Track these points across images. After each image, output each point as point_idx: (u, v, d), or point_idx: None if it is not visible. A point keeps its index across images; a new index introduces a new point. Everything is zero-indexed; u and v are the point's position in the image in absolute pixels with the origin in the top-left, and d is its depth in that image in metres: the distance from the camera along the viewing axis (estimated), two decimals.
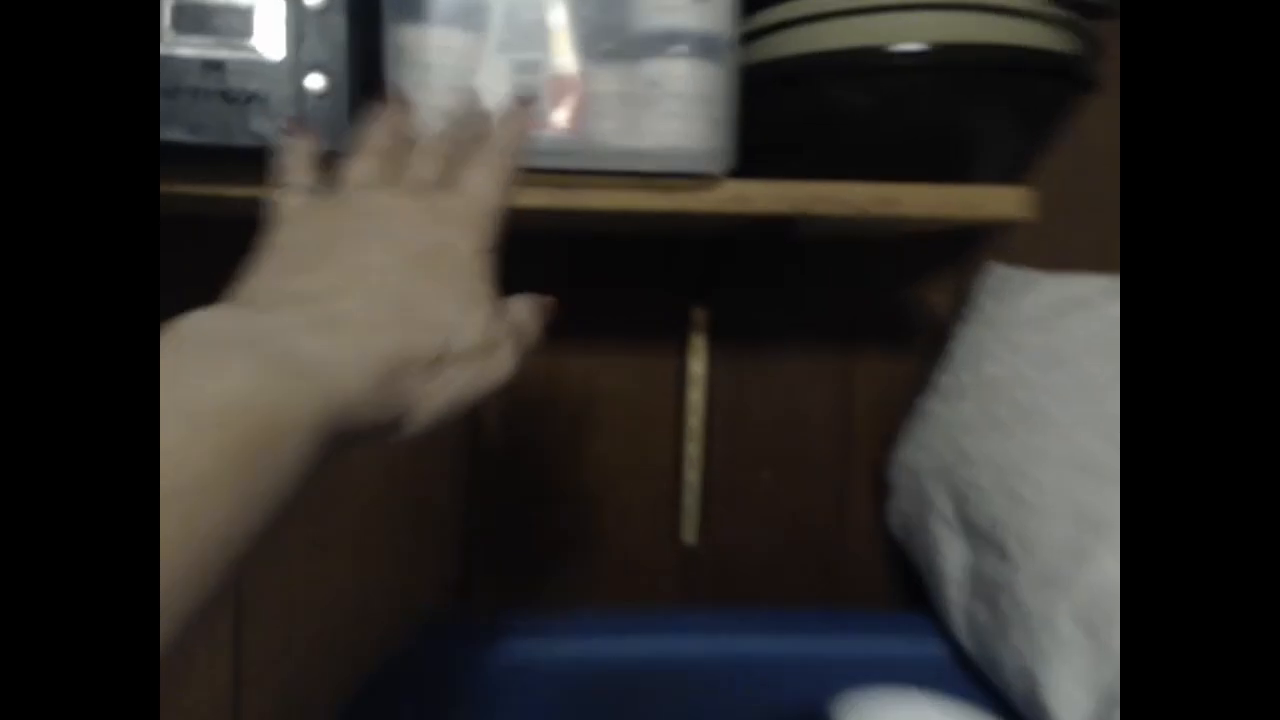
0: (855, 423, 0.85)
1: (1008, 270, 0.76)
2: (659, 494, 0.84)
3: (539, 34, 0.53)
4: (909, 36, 0.58)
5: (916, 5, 0.58)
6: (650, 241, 0.80)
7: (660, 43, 0.54)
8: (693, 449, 0.83)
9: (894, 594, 0.86)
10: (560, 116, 0.55)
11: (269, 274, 0.36)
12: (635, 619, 0.76)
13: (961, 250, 0.84)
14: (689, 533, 0.84)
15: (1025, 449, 0.63)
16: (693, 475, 0.83)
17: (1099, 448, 0.60)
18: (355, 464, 0.80)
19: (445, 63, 0.53)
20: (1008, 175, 0.64)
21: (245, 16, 0.51)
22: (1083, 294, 0.68)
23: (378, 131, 0.44)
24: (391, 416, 0.33)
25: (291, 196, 0.40)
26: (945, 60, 0.58)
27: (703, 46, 0.54)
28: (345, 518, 0.81)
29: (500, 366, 0.38)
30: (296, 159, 0.42)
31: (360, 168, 0.42)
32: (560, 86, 0.54)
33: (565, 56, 0.54)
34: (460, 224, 0.39)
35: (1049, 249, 0.79)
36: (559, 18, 0.53)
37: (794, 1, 0.60)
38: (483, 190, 0.41)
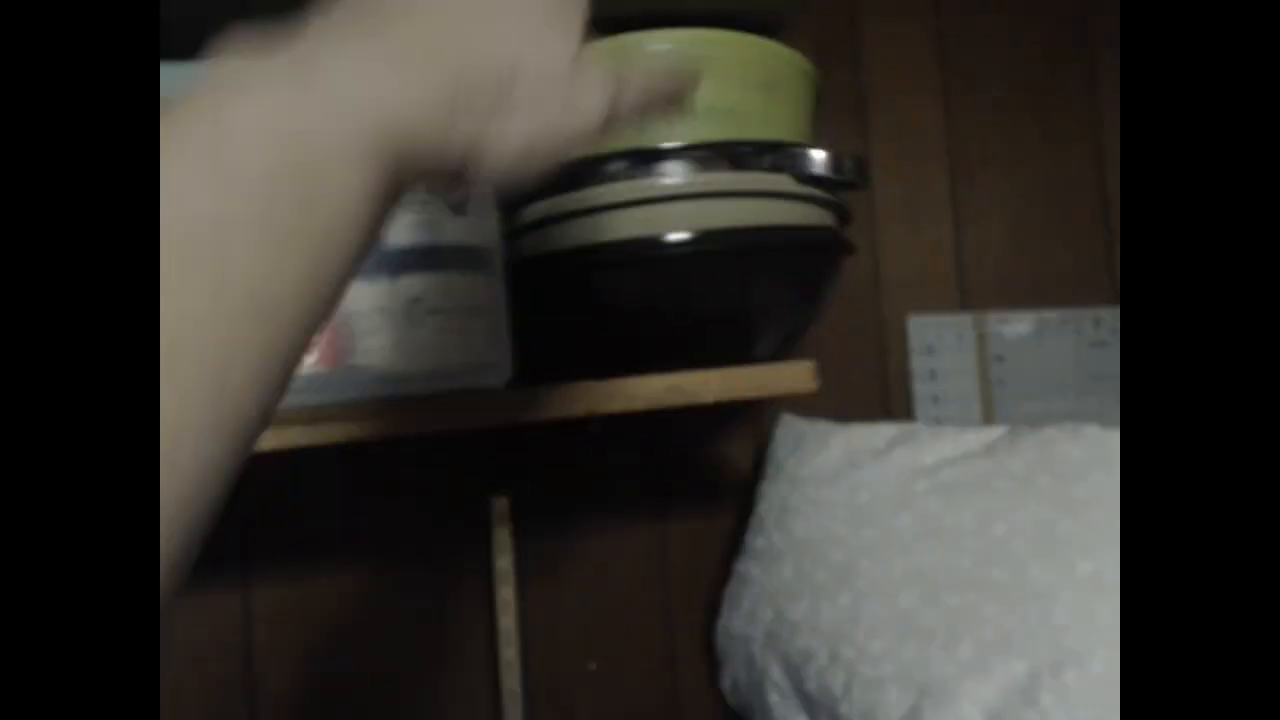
0: (674, 592, 0.81)
1: (800, 423, 0.77)
2: (480, 705, 0.76)
3: None
4: (678, 225, 0.57)
5: (681, 195, 0.58)
6: (438, 439, 0.75)
7: (422, 257, 0.50)
8: (508, 653, 0.76)
9: None
10: (322, 346, 0.49)
11: None
12: None
13: (755, 402, 0.85)
14: None
15: (850, 613, 0.62)
16: (511, 680, 0.76)
17: (917, 606, 0.59)
18: None
19: None
20: (789, 342, 0.64)
21: None
22: (873, 444, 0.69)
23: None
24: (457, 153, 0.28)
25: None
26: (715, 245, 0.58)
27: (467, 259, 0.51)
28: None
29: (586, 113, 0.31)
30: None
31: None
32: None
33: None
34: None
35: (830, 384, 0.82)
36: None
37: (562, 196, 0.58)
38: None
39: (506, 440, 0.77)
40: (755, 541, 0.75)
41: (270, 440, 0.49)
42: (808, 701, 0.65)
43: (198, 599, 0.71)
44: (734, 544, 0.82)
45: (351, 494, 0.74)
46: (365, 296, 0.50)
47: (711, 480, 0.84)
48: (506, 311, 0.53)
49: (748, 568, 0.75)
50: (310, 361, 0.49)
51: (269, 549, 0.72)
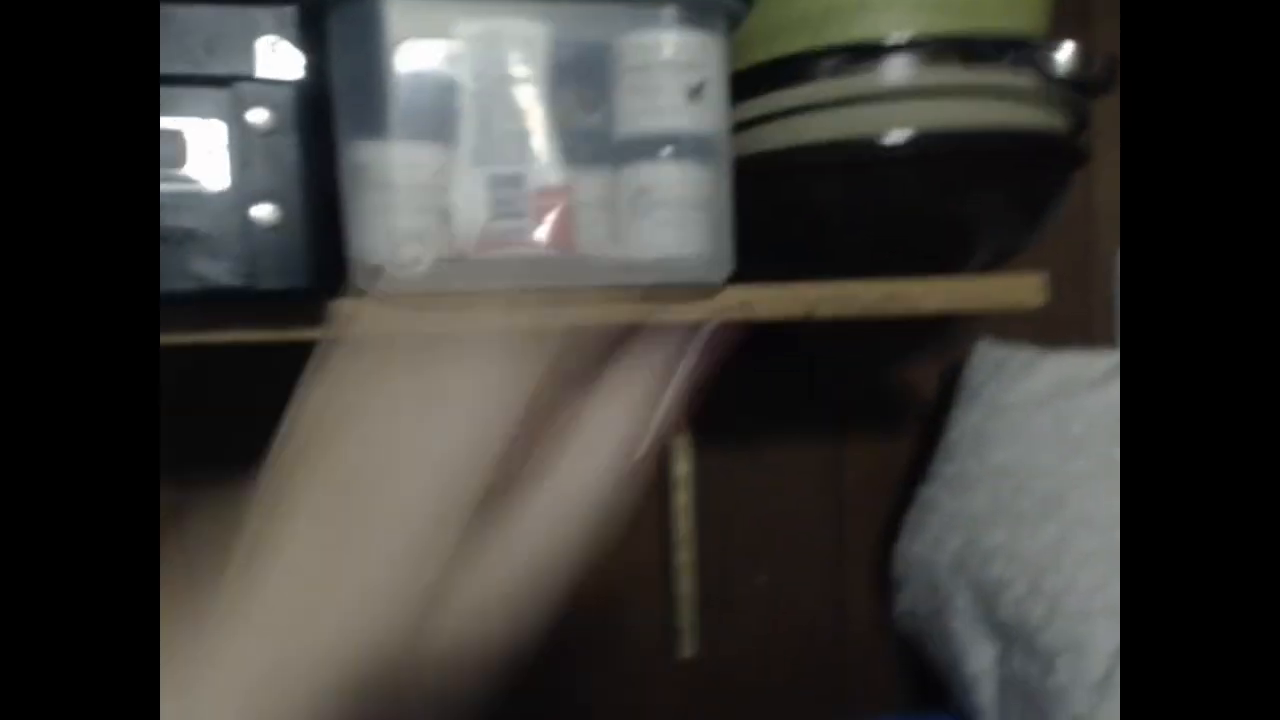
0: (848, 515, 0.80)
1: (1002, 350, 0.73)
2: (651, 607, 0.78)
3: (518, 144, 0.48)
4: (897, 125, 0.55)
5: (902, 94, 0.55)
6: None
7: (649, 146, 0.50)
8: (683, 556, 0.77)
9: (903, 694, 0.81)
10: (545, 231, 0.49)
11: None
12: None
13: (943, 327, 0.81)
14: (686, 646, 0.78)
15: (1055, 544, 0.60)
16: (685, 585, 0.77)
17: None
18: None
19: (412, 182, 0.47)
20: (1005, 257, 0.61)
21: (176, 142, 0.44)
22: (1087, 374, 0.65)
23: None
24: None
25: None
26: (934, 147, 0.55)
27: (695, 148, 0.50)
28: None
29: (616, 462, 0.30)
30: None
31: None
32: (543, 199, 0.49)
33: (548, 166, 0.49)
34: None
35: (1029, 319, 0.77)
36: (539, 125, 0.48)
37: (776, 94, 0.56)
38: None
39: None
40: (945, 468, 0.72)
41: (478, 321, 0.50)
42: (1000, 630, 0.63)
43: None
44: (913, 469, 0.79)
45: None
46: (593, 186, 0.50)
47: (892, 404, 0.81)
48: (731, 206, 0.52)
49: (935, 493, 0.73)
50: (540, 244, 0.49)
51: None
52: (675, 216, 0.50)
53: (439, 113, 0.47)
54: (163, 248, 0.44)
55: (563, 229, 0.49)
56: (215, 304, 0.46)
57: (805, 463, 0.79)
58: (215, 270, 0.44)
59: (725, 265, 0.52)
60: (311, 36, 0.45)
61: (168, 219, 0.44)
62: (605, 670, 0.77)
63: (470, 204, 0.48)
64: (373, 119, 0.46)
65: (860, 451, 0.80)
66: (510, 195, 0.48)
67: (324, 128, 0.47)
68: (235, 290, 0.45)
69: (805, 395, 0.79)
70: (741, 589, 0.79)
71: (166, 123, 0.43)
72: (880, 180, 0.56)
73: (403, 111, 0.46)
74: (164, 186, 0.44)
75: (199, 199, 0.44)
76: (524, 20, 0.47)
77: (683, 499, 0.77)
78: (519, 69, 0.47)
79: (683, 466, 0.77)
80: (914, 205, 0.57)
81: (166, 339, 0.47)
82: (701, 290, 0.52)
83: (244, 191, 0.44)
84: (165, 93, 0.43)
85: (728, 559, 0.78)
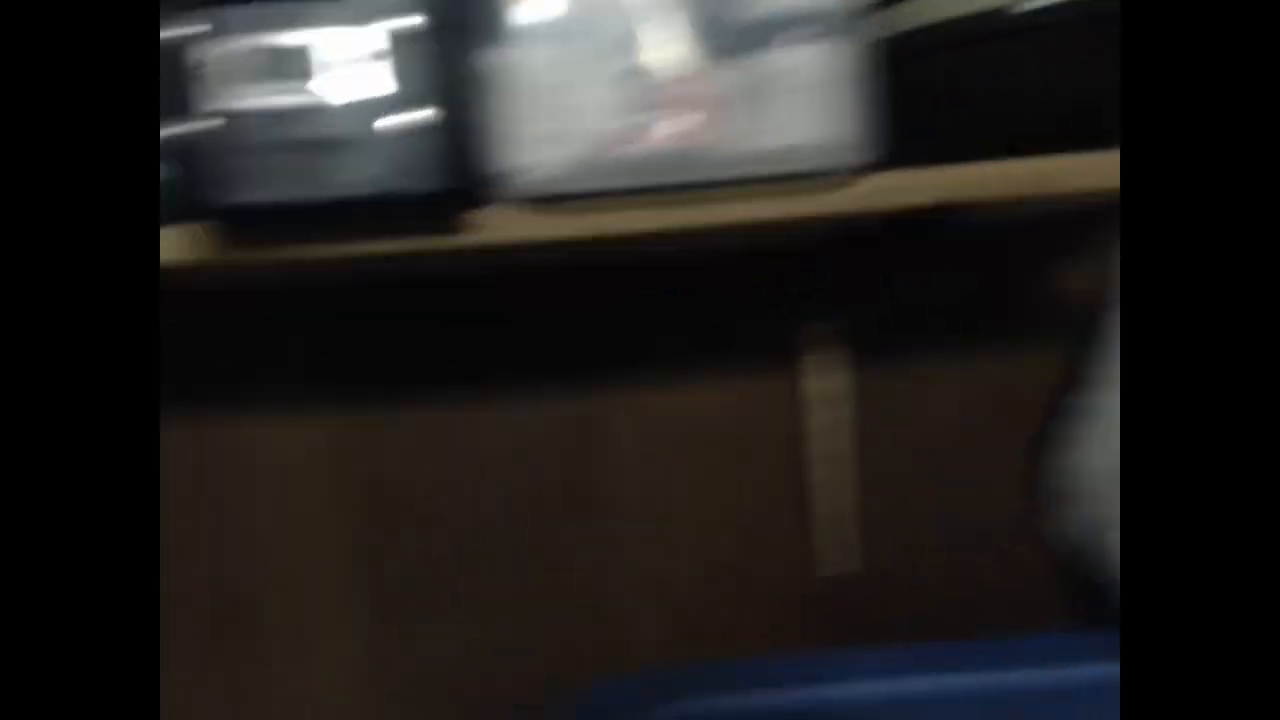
0: (1005, 425, 0.77)
1: None
2: (795, 529, 0.77)
3: (646, 39, 0.47)
4: None
5: None
6: (754, 253, 0.73)
7: (781, 29, 0.48)
8: (825, 473, 0.75)
9: (1064, 611, 0.78)
10: (676, 125, 0.48)
11: None
12: (807, 663, 0.68)
13: (1094, 220, 0.76)
14: (838, 563, 0.77)
15: None
16: (828, 503, 0.76)
17: None
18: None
19: (544, 84, 0.47)
20: None
21: (317, 56, 0.45)
22: None
23: None
24: None
25: None
26: (1069, 16, 0.51)
27: (830, 27, 0.48)
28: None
29: None
30: None
31: None
32: (673, 93, 0.48)
33: (674, 58, 0.47)
34: None
35: None
36: (664, 16, 0.47)
37: None
38: None
39: (843, 253, 0.73)
40: (1105, 373, 0.68)
41: (636, 223, 0.49)
42: None
43: (559, 405, 0.75)
44: (1072, 377, 0.75)
45: (666, 300, 0.74)
46: (723, 76, 0.48)
47: (1044, 311, 0.77)
48: (866, 88, 0.49)
49: (1096, 401, 0.68)
50: (671, 139, 0.48)
51: (613, 359, 0.75)
52: (809, 102, 0.48)
53: (569, 15, 0.47)
54: (298, 159, 0.45)
55: (694, 122, 0.48)
56: (349, 215, 0.48)
57: (957, 371, 0.76)
58: (354, 179, 0.46)
59: (863, 151, 0.49)
60: None
61: (313, 131, 0.45)
62: (751, 590, 0.77)
63: (601, 103, 0.47)
64: (497, 25, 0.46)
65: (1018, 360, 0.76)
66: (640, 92, 0.47)
67: (461, 34, 0.47)
68: (373, 198, 0.46)
69: (958, 300, 0.76)
70: (896, 505, 0.77)
71: (293, 37, 0.45)
72: (1016, 54, 0.53)
73: (534, 15, 0.46)
74: (308, 100, 0.45)
75: (342, 110, 0.46)
76: None
77: (826, 415, 0.75)
78: None
79: (827, 382, 0.75)
80: (1051, 79, 0.53)
81: (303, 253, 0.49)
82: (839, 179, 0.50)
83: (386, 99, 0.45)
84: (300, 6, 0.44)
85: (876, 475, 0.76)
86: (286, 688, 0.75)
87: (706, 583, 0.77)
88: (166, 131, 0.44)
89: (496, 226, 0.49)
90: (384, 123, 0.46)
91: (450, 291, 0.72)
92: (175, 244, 0.48)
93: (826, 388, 0.75)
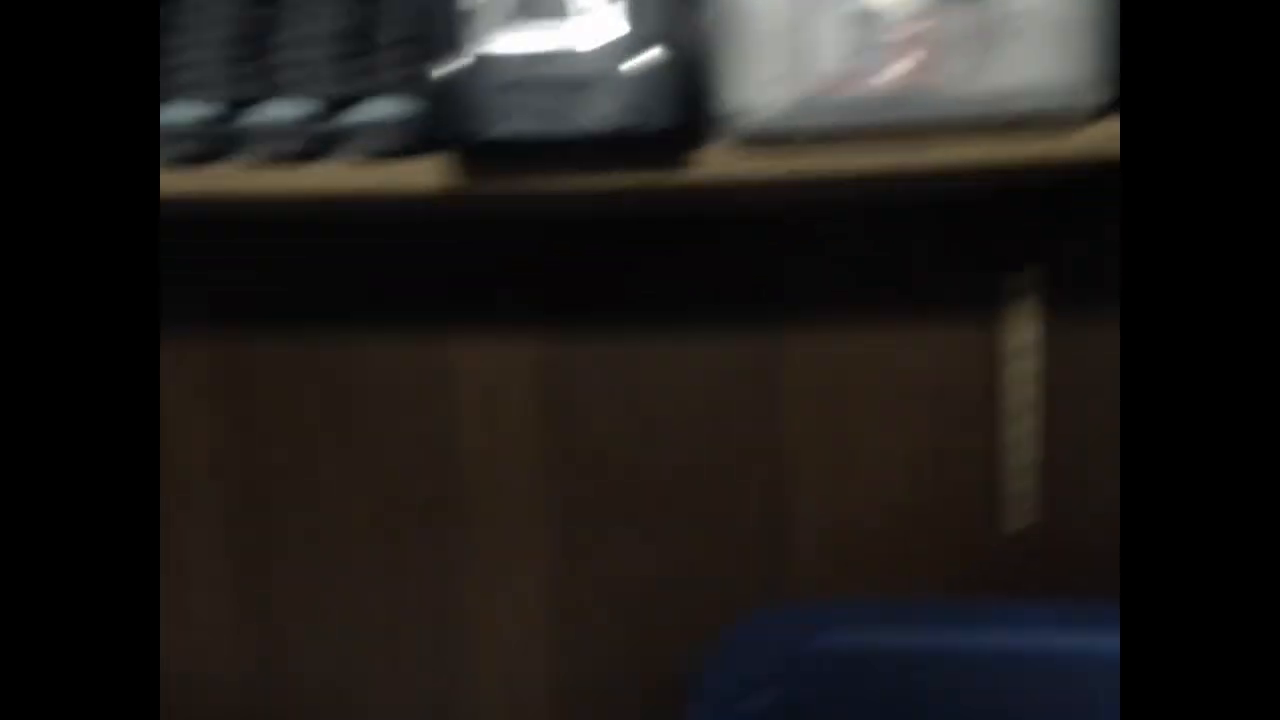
0: None
1: None
2: (978, 479, 0.77)
3: None
4: None
5: None
6: (957, 203, 0.73)
7: None
8: (1018, 428, 0.75)
9: None
10: (904, 65, 0.49)
11: None
12: (968, 610, 0.69)
13: None
14: (1015, 518, 0.76)
15: None
16: (1019, 456, 0.75)
17: None
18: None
19: (772, 25, 0.49)
20: None
21: (574, 4, 0.48)
22: None
23: None
24: None
25: None
26: None
27: None
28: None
29: None
30: None
31: None
32: (903, 33, 0.48)
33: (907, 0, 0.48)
34: None
35: None
36: None
37: None
38: None
39: (1033, 204, 0.72)
40: None
41: (863, 160, 0.50)
42: None
43: (749, 343, 0.78)
44: None
45: (866, 241, 0.75)
46: (954, 16, 0.48)
47: None
48: (1099, 31, 0.48)
49: None
50: (899, 79, 0.49)
51: (799, 297, 0.77)
52: (1040, 43, 0.48)
53: None
54: (560, 95, 0.49)
55: (922, 63, 0.49)
56: (587, 150, 0.51)
57: None
58: (598, 115, 0.49)
59: (1097, 93, 0.48)
60: None
61: (563, 69, 0.49)
62: (929, 537, 0.77)
63: (829, 44, 0.49)
64: None
65: None
66: (869, 32, 0.48)
67: None
68: (610, 134, 0.49)
69: None
70: (1079, 462, 0.75)
71: None
72: None
73: None
74: (561, 43, 0.49)
75: (589, 52, 0.49)
76: None
77: (1023, 367, 0.74)
78: None
79: (1025, 335, 0.74)
80: None
81: (546, 184, 0.53)
82: (1069, 123, 0.49)
83: (626, 44, 0.48)
84: None
85: (1067, 431, 0.75)
86: (487, 579, 0.82)
87: (884, 526, 0.78)
88: (432, 70, 0.49)
89: (722, 163, 0.51)
90: (623, 63, 0.48)
91: (652, 228, 0.75)
92: (427, 172, 0.53)
93: (1021, 340, 0.73)
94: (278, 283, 0.80)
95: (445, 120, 0.50)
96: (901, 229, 0.74)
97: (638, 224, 0.76)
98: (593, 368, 0.80)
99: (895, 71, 0.49)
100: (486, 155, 0.52)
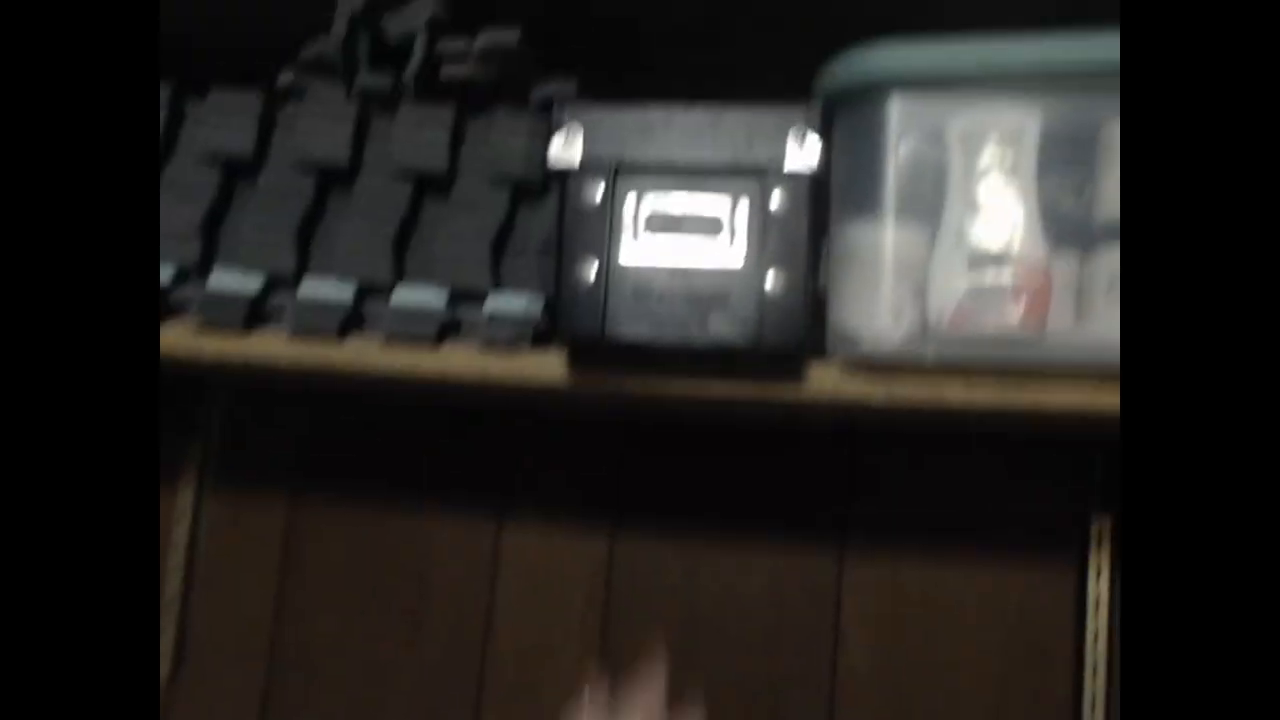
0: None
1: None
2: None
3: (1001, 226, 0.51)
4: None
5: None
6: (1039, 440, 0.73)
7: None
8: (1095, 683, 0.71)
9: None
10: (1019, 310, 0.51)
11: None
12: None
13: None
14: None
15: None
16: (1095, 715, 0.71)
17: None
18: None
19: (899, 259, 0.52)
20: None
21: (713, 224, 0.52)
22: None
23: None
24: None
25: None
26: None
27: None
28: None
29: None
30: None
31: None
32: (1021, 279, 0.51)
33: (1029, 248, 0.51)
34: None
35: None
36: (1024, 209, 0.51)
37: None
38: None
39: (1113, 448, 0.72)
40: None
41: (973, 394, 0.52)
42: None
43: (810, 563, 0.76)
44: None
45: (943, 477, 0.75)
46: (1068, 267, 0.52)
47: None
48: None
49: None
50: (1013, 322, 0.51)
51: (864, 526, 0.76)
52: None
53: (929, 198, 0.52)
54: (692, 308, 0.51)
55: (1036, 308, 0.51)
56: (707, 361, 0.53)
57: None
58: (729, 330, 0.51)
59: None
60: (821, 130, 0.52)
61: (699, 285, 0.51)
62: None
63: (949, 281, 0.51)
64: (870, 203, 0.52)
65: None
66: (989, 274, 0.51)
67: (822, 209, 0.53)
68: (741, 349, 0.51)
69: None
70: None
71: (707, 201, 0.52)
72: None
73: (897, 197, 0.51)
74: (699, 261, 0.52)
75: (724, 272, 0.51)
76: (1015, 112, 0.50)
77: (1098, 620, 0.72)
78: (1007, 157, 0.51)
79: (1101, 585, 0.72)
80: None
81: (664, 388, 0.55)
82: None
83: (759, 263, 0.51)
84: (710, 178, 0.51)
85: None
86: None
87: None
88: (572, 273, 0.52)
89: (833, 384, 0.53)
90: (763, 284, 0.51)
91: (723, 440, 0.77)
92: (546, 366, 0.55)
93: (1101, 590, 0.72)
94: (347, 451, 0.82)
95: (573, 318, 0.52)
96: (984, 461, 0.75)
97: (712, 432, 0.77)
98: (649, 571, 0.79)
99: (1010, 313, 0.51)
100: (607, 355, 0.54)
